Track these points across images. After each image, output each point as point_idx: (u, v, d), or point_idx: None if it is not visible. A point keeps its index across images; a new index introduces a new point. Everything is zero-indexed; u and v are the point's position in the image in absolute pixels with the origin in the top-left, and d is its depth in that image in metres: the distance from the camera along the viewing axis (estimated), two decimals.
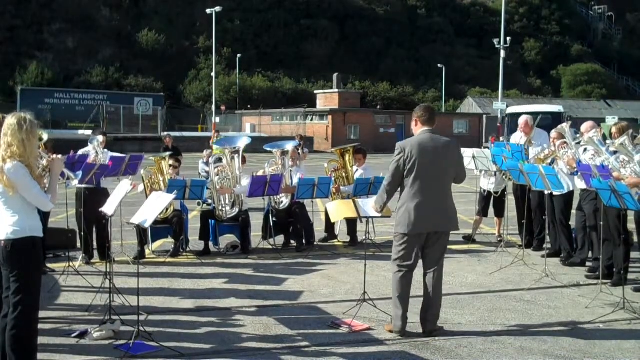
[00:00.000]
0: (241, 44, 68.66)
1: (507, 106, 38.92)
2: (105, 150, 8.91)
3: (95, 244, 8.81)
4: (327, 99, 53.91)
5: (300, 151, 13.04)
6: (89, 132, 40.07)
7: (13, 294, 4.50)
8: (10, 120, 4.55)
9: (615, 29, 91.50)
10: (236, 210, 9.58)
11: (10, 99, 53.00)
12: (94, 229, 8.72)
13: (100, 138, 8.88)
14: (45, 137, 4.97)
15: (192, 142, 38.47)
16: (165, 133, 23.46)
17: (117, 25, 68.77)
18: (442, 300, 6.84)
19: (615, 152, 7.32)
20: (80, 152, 8.66)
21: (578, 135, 8.25)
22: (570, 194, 8.85)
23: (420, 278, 5.97)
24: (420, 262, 5.91)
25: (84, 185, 8.34)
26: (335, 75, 55.29)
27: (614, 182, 6.54)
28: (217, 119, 46.31)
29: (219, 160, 10.96)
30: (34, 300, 4.57)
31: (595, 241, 8.15)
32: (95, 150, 8.70)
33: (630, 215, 7.57)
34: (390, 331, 5.87)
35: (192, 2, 69.79)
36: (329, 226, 10.31)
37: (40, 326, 4.78)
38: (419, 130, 5.93)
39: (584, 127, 8.22)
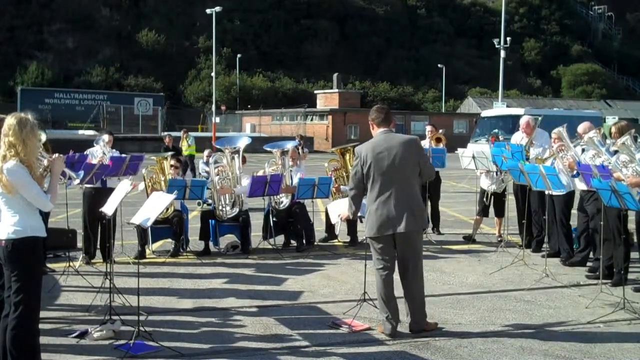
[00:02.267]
0: (241, 44, 68.65)
1: (507, 106, 38.95)
2: (113, 150, 8.92)
3: (98, 244, 8.79)
4: (327, 99, 53.94)
5: (300, 151, 13.04)
6: (89, 132, 40.29)
7: (14, 293, 4.50)
8: (11, 120, 4.56)
9: (615, 29, 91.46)
10: (236, 210, 9.57)
11: (10, 99, 53.03)
12: (99, 229, 8.70)
13: (106, 137, 8.90)
14: (43, 137, 4.97)
15: None
16: (166, 133, 23.49)
17: (117, 25, 68.77)
18: (442, 300, 6.87)
19: (615, 152, 7.31)
20: (87, 151, 8.67)
21: (576, 135, 8.25)
22: (571, 194, 8.83)
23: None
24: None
25: (90, 185, 8.35)
26: (335, 75, 55.34)
27: (614, 182, 6.53)
28: (217, 119, 46.31)
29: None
30: (35, 300, 4.57)
31: (597, 242, 8.14)
32: (102, 150, 8.72)
33: (631, 215, 7.57)
34: (382, 332, 5.87)
35: (192, 2, 69.79)
36: (329, 226, 10.30)
37: (40, 326, 4.77)
38: (376, 132, 5.94)
39: (581, 127, 8.21)
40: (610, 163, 7.25)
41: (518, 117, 10.63)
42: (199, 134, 47.74)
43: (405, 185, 5.77)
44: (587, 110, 44.96)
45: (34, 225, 4.57)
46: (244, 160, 10.03)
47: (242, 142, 9.88)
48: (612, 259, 7.66)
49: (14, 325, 4.49)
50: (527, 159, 9.12)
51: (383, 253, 5.83)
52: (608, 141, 7.61)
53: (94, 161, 8.41)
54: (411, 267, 5.84)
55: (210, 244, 9.53)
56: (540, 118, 10.41)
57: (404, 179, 5.77)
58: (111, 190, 7.61)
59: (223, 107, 52.56)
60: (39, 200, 4.56)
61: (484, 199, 10.27)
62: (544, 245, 9.07)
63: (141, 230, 8.66)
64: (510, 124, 24.09)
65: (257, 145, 23.16)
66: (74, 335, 5.75)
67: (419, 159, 5.86)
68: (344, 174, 10.47)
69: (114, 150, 8.96)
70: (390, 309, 5.79)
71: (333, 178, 10.28)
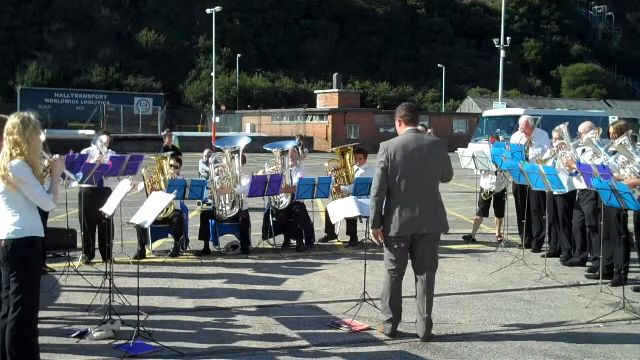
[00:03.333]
0: (241, 44, 68.57)
1: (507, 106, 38.96)
2: (110, 150, 8.92)
3: (97, 243, 8.79)
4: (327, 99, 53.91)
5: (300, 151, 13.03)
6: (89, 132, 40.26)
7: (13, 294, 4.50)
8: (15, 120, 4.57)
9: (615, 29, 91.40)
10: (236, 210, 9.58)
11: (10, 99, 52.96)
12: (97, 229, 8.70)
13: (104, 138, 8.90)
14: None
15: (192, 142, 38.49)
16: (166, 133, 23.45)
17: (117, 25, 68.70)
18: (442, 300, 6.88)
19: (614, 153, 7.31)
20: (84, 151, 8.68)
21: (577, 135, 8.25)
22: (574, 194, 8.82)
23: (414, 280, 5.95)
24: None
25: (87, 185, 8.35)
26: (335, 75, 55.28)
27: (614, 182, 6.53)
28: (217, 119, 46.30)
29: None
30: (34, 301, 4.57)
31: (594, 241, 8.15)
32: (99, 150, 8.72)
33: (630, 215, 7.57)
34: (382, 332, 5.86)
35: (192, 2, 69.71)
36: (329, 226, 10.30)
37: (40, 326, 4.78)
38: (403, 130, 5.85)
39: (582, 127, 8.20)
40: (609, 163, 7.25)
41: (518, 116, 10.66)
42: (199, 133, 47.79)
43: (430, 186, 5.75)
44: (591, 110, 44.94)
45: (33, 225, 4.57)
46: (244, 160, 10.04)
47: (242, 142, 9.89)
48: (612, 259, 7.67)
49: (14, 326, 4.49)
50: (527, 159, 9.12)
51: (398, 254, 5.73)
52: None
53: (92, 161, 8.41)
54: (431, 269, 5.78)
55: (210, 244, 9.53)
56: (539, 118, 10.39)
57: (429, 180, 5.73)
58: (108, 189, 7.62)
59: (223, 107, 52.51)
60: (42, 199, 4.57)
61: (483, 197, 10.28)
62: (544, 245, 9.08)
63: (141, 230, 8.66)
64: (512, 124, 24.13)
65: (257, 145, 23.15)
66: (74, 335, 5.75)
67: (445, 160, 5.84)
68: (344, 174, 10.47)
69: (110, 150, 8.96)
70: (395, 311, 5.77)
71: (333, 178, 10.28)
